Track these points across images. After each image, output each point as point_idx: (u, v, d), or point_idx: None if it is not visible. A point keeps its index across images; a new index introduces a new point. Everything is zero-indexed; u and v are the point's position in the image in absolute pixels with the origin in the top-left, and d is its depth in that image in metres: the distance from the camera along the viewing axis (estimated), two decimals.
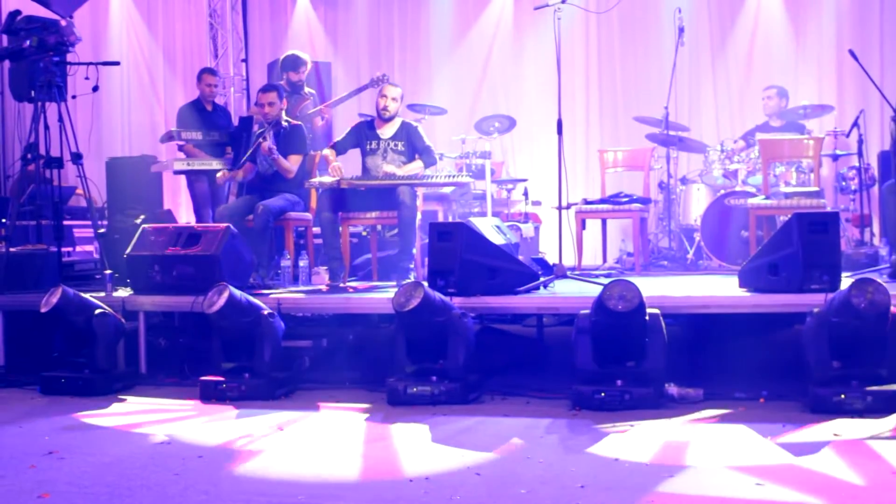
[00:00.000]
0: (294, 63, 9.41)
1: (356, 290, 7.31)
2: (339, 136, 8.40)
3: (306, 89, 9.56)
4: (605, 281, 5.82)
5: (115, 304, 6.74)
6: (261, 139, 7.73)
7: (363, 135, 8.04)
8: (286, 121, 8.05)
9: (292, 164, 7.85)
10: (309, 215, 8.09)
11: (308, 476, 4.23)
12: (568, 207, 7.61)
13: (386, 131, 7.97)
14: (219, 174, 8.10)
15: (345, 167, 7.86)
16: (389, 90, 7.95)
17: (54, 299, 6.33)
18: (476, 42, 12.00)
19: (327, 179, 7.66)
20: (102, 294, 7.01)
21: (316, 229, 8.17)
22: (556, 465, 4.29)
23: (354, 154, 8.15)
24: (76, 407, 5.89)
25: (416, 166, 7.86)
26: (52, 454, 4.70)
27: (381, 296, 6.65)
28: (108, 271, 7.32)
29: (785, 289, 5.89)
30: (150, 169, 8.51)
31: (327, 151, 7.94)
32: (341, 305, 6.88)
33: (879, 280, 5.32)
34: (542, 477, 4.11)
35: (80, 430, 5.29)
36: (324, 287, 7.43)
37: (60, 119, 7.72)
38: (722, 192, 8.64)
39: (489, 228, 8.00)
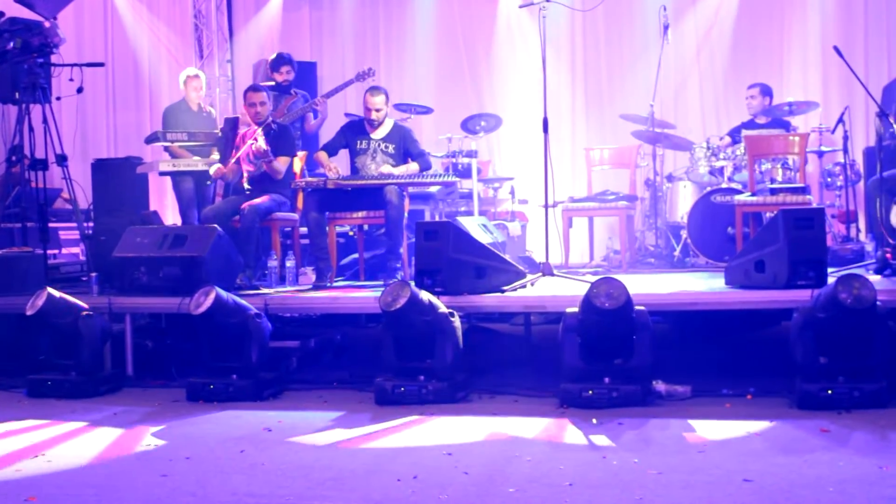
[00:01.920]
0: (275, 63, 9.48)
1: (343, 289, 7.30)
2: (326, 136, 8.39)
3: (294, 90, 9.59)
4: (592, 279, 5.82)
5: (101, 306, 6.72)
6: (252, 140, 7.70)
7: (353, 134, 8.02)
8: (274, 122, 8.03)
9: (281, 164, 7.83)
10: (295, 215, 8.06)
11: (295, 475, 4.23)
12: (554, 206, 7.60)
13: (378, 132, 7.95)
14: (213, 168, 8.03)
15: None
16: (372, 101, 7.87)
17: (40, 302, 6.31)
18: (462, 41, 11.98)
19: (314, 179, 7.65)
20: (88, 296, 6.99)
21: (303, 229, 8.15)
22: (544, 464, 4.29)
23: (344, 153, 8.14)
24: (63, 409, 5.88)
25: (413, 168, 7.84)
26: (38, 457, 4.69)
27: (368, 295, 6.64)
28: (94, 273, 7.30)
29: (771, 285, 5.91)
30: (136, 170, 8.47)
31: (321, 154, 7.93)
32: (328, 305, 6.87)
33: (865, 275, 5.35)
34: (530, 475, 4.11)
35: (67, 433, 5.27)
36: (310, 287, 7.41)
37: (45, 121, 7.69)
38: (708, 189, 8.64)
39: (476, 227, 8.00)
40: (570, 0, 8.72)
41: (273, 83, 9.32)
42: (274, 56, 9.70)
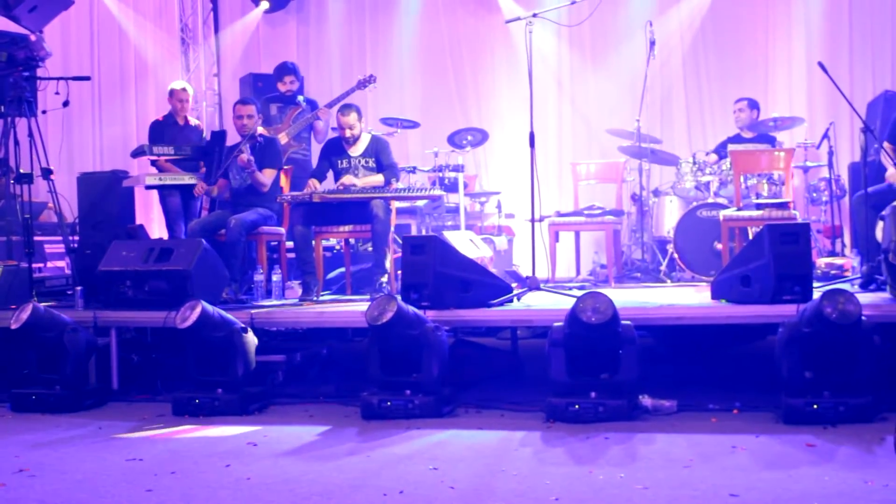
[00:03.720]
0: (278, 73, 9.64)
1: (330, 303, 7.29)
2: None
3: (300, 98, 9.64)
4: (579, 293, 5.83)
5: (86, 319, 6.70)
6: (237, 151, 7.72)
7: (333, 154, 8.04)
8: (261, 135, 8.08)
9: (267, 177, 7.84)
10: (282, 229, 8.07)
11: (281, 490, 4.21)
12: (541, 220, 7.62)
13: (356, 148, 7.97)
14: (197, 186, 8.08)
15: (325, 185, 7.92)
16: (344, 120, 7.90)
17: (25, 315, 6.29)
18: (448, 55, 11.99)
19: (300, 193, 7.66)
20: (74, 310, 6.96)
21: (289, 243, 8.15)
22: (530, 478, 4.29)
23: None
24: (47, 424, 5.85)
25: (377, 180, 7.85)
26: (22, 472, 4.66)
27: (354, 309, 6.63)
28: (80, 287, 7.27)
29: (757, 300, 5.92)
30: (122, 184, 8.43)
31: (312, 181, 7.92)
32: (315, 319, 6.85)
33: (851, 290, 5.37)
34: (516, 490, 4.11)
35: (51, 448, 5.24)
36: (297, 301, 7.40)
37: (31, 134, 7.66)
38: (694, 203, 8.66)
39: (462, 242, 8.01)
40: (556, 15, 8.76)
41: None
42: (277, 66, 9.79)
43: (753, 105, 9.42)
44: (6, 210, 8.27)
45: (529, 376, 6.68)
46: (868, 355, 5.14)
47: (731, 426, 5.16)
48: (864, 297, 5.80)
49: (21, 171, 7.69)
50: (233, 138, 8.30)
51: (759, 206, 7.75)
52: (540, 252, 7.27)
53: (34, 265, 7.78)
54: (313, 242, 7.66)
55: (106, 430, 5.64)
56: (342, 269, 8.51)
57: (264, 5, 12.35)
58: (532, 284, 6.95)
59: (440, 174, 9.61)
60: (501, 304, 6.54)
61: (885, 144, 7.07)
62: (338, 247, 9.02)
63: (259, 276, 7.50)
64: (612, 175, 9.36)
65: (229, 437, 5.36)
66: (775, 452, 4.64)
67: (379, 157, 7.96)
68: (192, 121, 9.40)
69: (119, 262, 7.07)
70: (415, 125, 10.29)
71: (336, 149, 8.05)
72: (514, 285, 7.09)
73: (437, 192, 8.04)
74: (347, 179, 7.79)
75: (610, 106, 11.07)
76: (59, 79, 7.89)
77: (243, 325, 6.15)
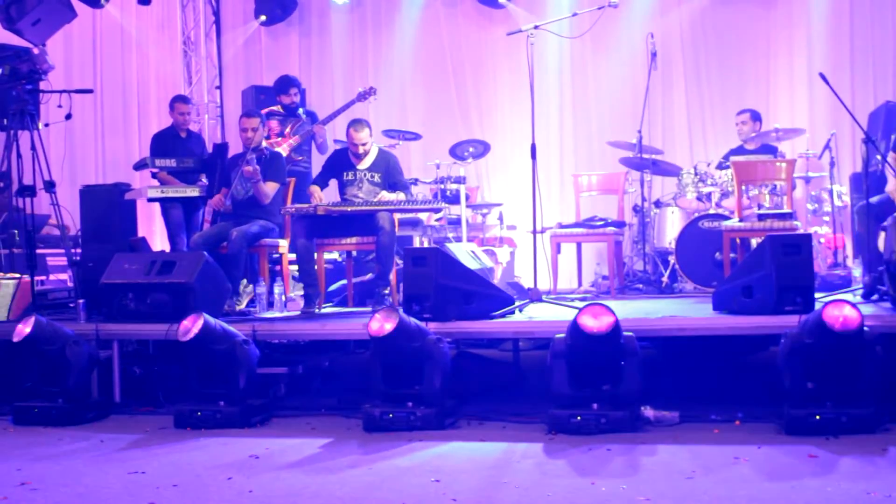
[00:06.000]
0: (283, 86, 9.62)
1: (332, 315, 7.30)
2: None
3: (301, 111, 9.66)
4: (581, 304, 5.82)
5: (88, 332, 6.70)
6: (244, 162, 7.73)
7: (339, 165, 8.04)
8: (267, 148, 8.11)
9: (269, 189, 7.86)
10: (284, 241, 8.07)
11: (283, 503, 4.21)
12: (543, 231, 7.61)
13: (363, 162, 7.96)
14: (217, 201, 8.09)
15: (326, 196, 7.92)
16: (358, 136, 7.87)
17: (27, 328, 6.28)
18: (450, 67, 12.02)
19: (303, 205, 7.67)
20: (76, 323, 6.96)
21: (291, 255, 8.15)
22: (532, 490, 4.28)
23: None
24: (49, 437, 5.85)
25: (400, 197, 7.84)
26: (24, 485, 4.66)
27: (356, 322, 6.63)
28: (82, 300, 7.28)
29: (759, 311, 5.92)
30: (124, 196, 8.44)
31: (313, 188, 7.94)
32: (317, 332, 6.85)
33: (853, 300, 5.36)
34: (518, 502, 4.11)
35: (53, 461, 5.24)
36: (299, 313, 7.41)
37: (33, 147, 7.68)
38: (696, 214, 8.66)
39: (464, 253, 8.00)
40: (557, 27, 8.76)
41: (278, 107, 9.52)
42: (279, 78, 9.81)
43: (756, 117, 9.42)
44: (9, 223, 8.27)
45: (531, 388, 6.67)
46: (870, 366, 5.14)
47: (734, 437, 5.16)
48: (867, 308, 5.81)
49: (24, 183, 7.71)
50: (235, 151, 8.31)
51: (760, 217, 7.75)
52: (542, 263, 7.27)
53: (36, 278, 7.78)
54: (315, 255, 7.66)
55: (108, 443, 5.64)
56: (344, 282, 8.51)
57: (261, 18, 12.40)
58: (534, 296, 6.95)
59: (442, 186, 9.62)
60: (503, 315, 6.54)
61: (891, 156, 7.06)
62: (339, 258, 9.02)
63: (261, 289, 7.51)
64: (613, 186, 9.36)
65: (231, 450, 5.35)
66: (778, 463, 4.63)
67: (388, 171, 7.95)
68: (194, 133, 9.43)
69: (121, 274, 7.08)
70: (416, 137, 10.30)
71: (343, 161, 8.05)
72: (515, 297, 7.08)
73: (440, 204, 8.05)
74: (384, 195, 7.77)
75: (611, 117, 11.10)
76: (61, 92, 7.91)
77: (245, 338, 6.15)
